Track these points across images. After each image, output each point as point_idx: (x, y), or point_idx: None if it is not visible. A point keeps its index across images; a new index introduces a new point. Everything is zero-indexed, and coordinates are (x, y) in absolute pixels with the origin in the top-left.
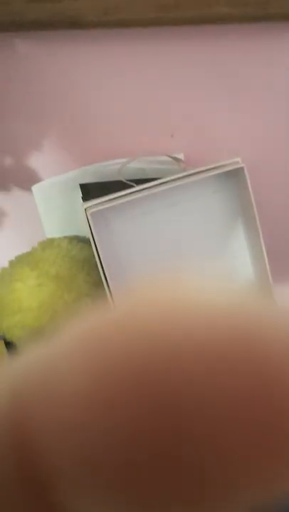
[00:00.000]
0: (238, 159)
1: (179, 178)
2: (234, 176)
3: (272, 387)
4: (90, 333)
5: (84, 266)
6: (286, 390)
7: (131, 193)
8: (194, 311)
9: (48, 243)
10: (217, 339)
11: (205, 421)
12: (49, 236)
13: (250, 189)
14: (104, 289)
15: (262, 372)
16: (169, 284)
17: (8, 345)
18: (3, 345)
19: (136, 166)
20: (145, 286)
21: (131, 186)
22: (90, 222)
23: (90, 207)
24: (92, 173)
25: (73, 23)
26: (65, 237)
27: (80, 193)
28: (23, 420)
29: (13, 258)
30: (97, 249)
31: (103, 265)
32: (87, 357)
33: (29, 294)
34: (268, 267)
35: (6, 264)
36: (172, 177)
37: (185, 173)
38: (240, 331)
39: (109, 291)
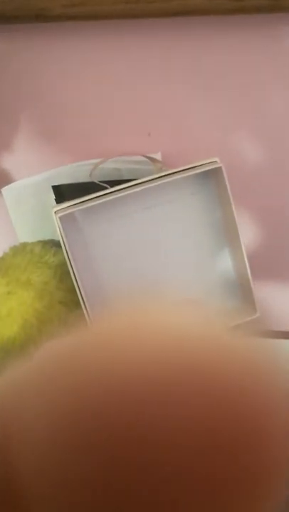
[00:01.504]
0: (216, 159)
1: (154, 179)
2: (212, 177)
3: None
4: (55, 363)
5: (57, 272)
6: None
7: (104, 194)
8: (152, 347)
9: (20, 248)
10: (170, 377)
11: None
12: (22, 240)
13: (228, 189)
14: (76, 295)
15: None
16: (135, 313)
17: None
18: None
19: (111, 166)
20: (113, 314)
21: (105, 188)
22: (60, 226)
23: (60, 210)
24: (65, 174)
25: (39, 16)
26: (39, 242)
27: (53, 194)
28: (3, 439)
29: None
30: (68, 254)
31: (75, 270)
32: (50, 386)
33: None
34: (247, 266)
35: None
36: (148, 178)
37: (161, 174)
38: (196, 368)
39: (82, 298)
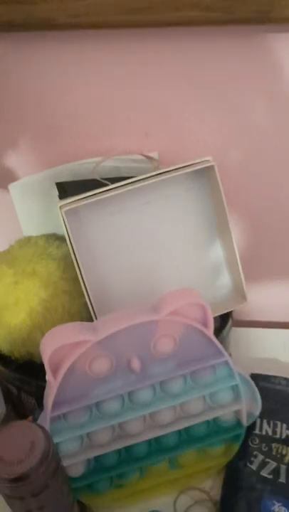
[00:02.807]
0: (209, 158)
1: (152, 176)
2: (205, 174)
3: None
4: None
5: (60, 263)
6: None
7: (105, 190)
8: None
9: (25, 241)
10: None
11: None
12: (26, 234)
13: (220, 187)
14: (80, 285)
15: None
16: None
17: None
18: None
19: (111, 164)
20: None
21: (106, 184)
22: (65, 219)
23: (65, 205)
24: (68, 172)
25: (45, 25)
26: (43, 235)
27: (57, 191)
28: None
29: None
30: (72, 246)
31: (78, 262)
32: None
33: (6, 292)
34: (237, 256)
35: None
36: (146, 175)
37: (158, 172)
38: None
39: (86, 288)
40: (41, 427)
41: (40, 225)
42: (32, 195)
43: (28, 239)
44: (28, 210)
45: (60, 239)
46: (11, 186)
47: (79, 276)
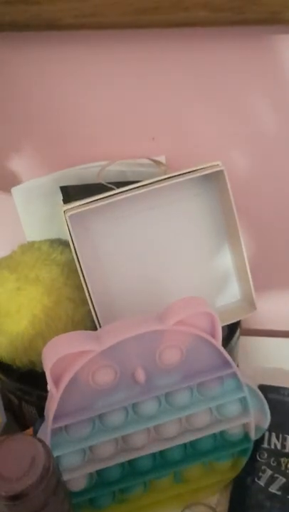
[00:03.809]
0: (218, 162)
1: (159, 181)
2: (214, 179)
3: None
4: None
5: (64, 269)
6: None
7: (111, 195)
8: None
9: (28, 246)
10: None
11: None
12: (30, 239)
13: (230, 192)
14: (84, 292)
15: None
16: None
17: None
18: None
19: (117, 168)
20: None
21: (111, 189)
22: (69, 224)
23: (69, 209)
24: (73, 176)
25: (50, 25)
26: (46, 240)
27: (61, 195)
28: None
29: None
30: (76, 252)
31: (82, 268)
32: None
33: (8, 298)
34: (247, 264)
35: None
36: (153, 180)
37: (165, 176)
38: None
39: (89, 294)
40: (42, 441)
41: (43, 230)
42: (36, 199)
43: (32, 244)
44: (32, 215)
45: (64, 244)
46: (14, 190)
47: (83, 283)
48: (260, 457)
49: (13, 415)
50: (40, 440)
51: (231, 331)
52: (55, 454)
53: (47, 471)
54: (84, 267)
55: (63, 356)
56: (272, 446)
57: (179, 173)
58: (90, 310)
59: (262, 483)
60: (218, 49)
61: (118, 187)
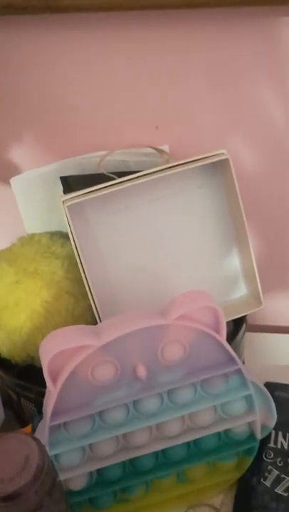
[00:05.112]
0: (224, 151)
1: (161, 170)
2: (219, 169)
3: None
4: None
5: (64, 262)
6: None
7: (112, 185)
8: None
9: (28, 239)
10: None
11: None
12: (29, 231)
13: (235, 181)
14: (84, 286)
15: None
16: None
17: None
18: None
19: (118, 158)
20: None
21: (113, 179)
22: (68, 215)
23: (68, 200)
24: (73, 166)
25: (48, 7)
26: (47, 233)
27: (61, 185)
28: None
29: None
30: (75, 244)
31: (82, 261)
32: None
33: (6, 292)
34: (253, 259)
35: None
36: (155, 169)
37: (168, 165)
38: None
39: (90, 288)
40: (36, 440)
41: (44, 222)
42: (35, 190)
43: (32, 236)
44: (31, 206)
45: (64, 236)
46: (13, 180)
47: (83, 276)
48: (266, 457)
49: (12, 411)
50: (34, 438)
51: (237, 326)
52: (54, 452)
53: (41, 471)
54: (84, 259)
55: (61, 351)
56: (279, 446)
57: (183, 162)
58: (90, 305)
59: (268, 483)
60: (223, 36)
61: (120, 177)
